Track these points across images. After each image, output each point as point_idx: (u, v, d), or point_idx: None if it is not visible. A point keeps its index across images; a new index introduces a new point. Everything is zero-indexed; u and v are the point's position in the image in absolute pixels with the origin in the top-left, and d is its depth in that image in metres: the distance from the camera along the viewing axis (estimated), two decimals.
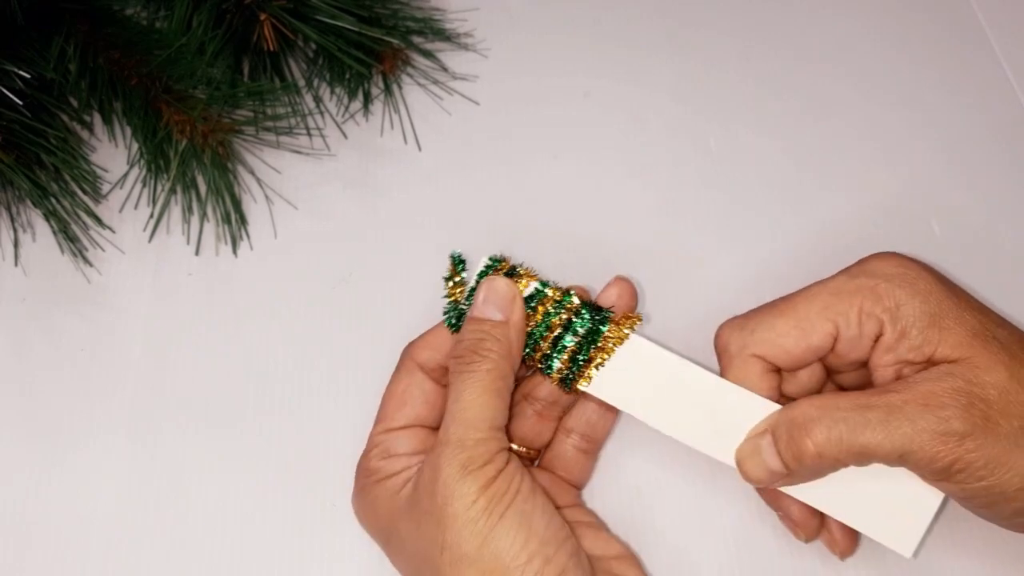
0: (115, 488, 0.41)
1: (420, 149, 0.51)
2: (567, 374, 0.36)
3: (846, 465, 0.34)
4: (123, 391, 0.44)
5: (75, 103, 0.48)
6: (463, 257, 0.38)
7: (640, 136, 0.51)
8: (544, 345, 0.37)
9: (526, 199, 0.49)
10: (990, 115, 0.51)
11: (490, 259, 0.38)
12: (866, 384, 0.37)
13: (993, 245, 0.47)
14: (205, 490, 0.41)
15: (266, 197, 0.49)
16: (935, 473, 0.33)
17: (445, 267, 0.38)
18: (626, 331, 0.37)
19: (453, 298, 0.38)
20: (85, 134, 0.50)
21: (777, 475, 0.35)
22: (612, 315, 0.37)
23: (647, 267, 0.46)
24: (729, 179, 0.49)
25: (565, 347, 0.37)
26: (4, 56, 0.45)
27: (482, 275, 0.37)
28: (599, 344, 0.36)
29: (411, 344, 0.38)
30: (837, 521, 0.36)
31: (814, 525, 0.37)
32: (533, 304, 0.37)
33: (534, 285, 0.37)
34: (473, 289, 0.37)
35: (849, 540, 0.37)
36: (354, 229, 0.48)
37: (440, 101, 0.52)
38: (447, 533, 0.32)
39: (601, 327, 0.37)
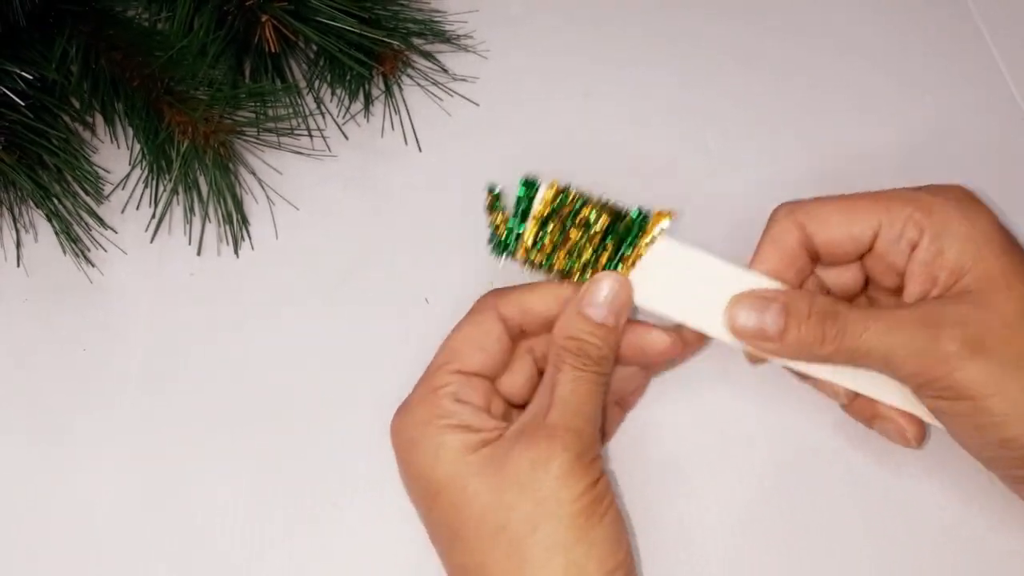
0: (117, 488, 0.41)
1: (420, 150, 0.51)
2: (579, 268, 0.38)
3: (837, 363, 0.36)
4: (125, 391, 0.44)
5: (77, 104, 0.49)
6: (499, 189, 0.39)
7: (640, 137, 0.51)
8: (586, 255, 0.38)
9: None
10: (988, 115, 0.51)
11: (522, 181, 0.38)
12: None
13: None
14: (207, 490, 0.41)
15: (267, 198, 0.49)
16: (921, 388, 0.34)
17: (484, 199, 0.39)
18: (654, 233, 0.37)
19: (496, 228, 0.38)
20: (87, 135, 0.50)
21: (767, 338, 0.36)
22: (649, 214, 0.38)
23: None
24: (729, 179, 0.49)
25: (601, 251, 0.38)
26: (6, 57, 0.45)
27: (520, 201, 0.38)
28: (634, 245, 0.37)
29: (497, 294, 0.38)
30: (899, 409, 0.37)
31: (919, 427, 0.38)
32: (575, 216, 0.38)
33: (581, 199, 0.38)
34: (514, 217, 0.38)
35: (917, 425, 0.38)
36: (355, 229, 0.48)
37: (440, 102, 0.52)
38: (545, 516, 0.32)
39: (640, 229, 0.37)
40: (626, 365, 0.39)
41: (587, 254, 0.38)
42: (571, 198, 0.38)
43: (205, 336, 0.45)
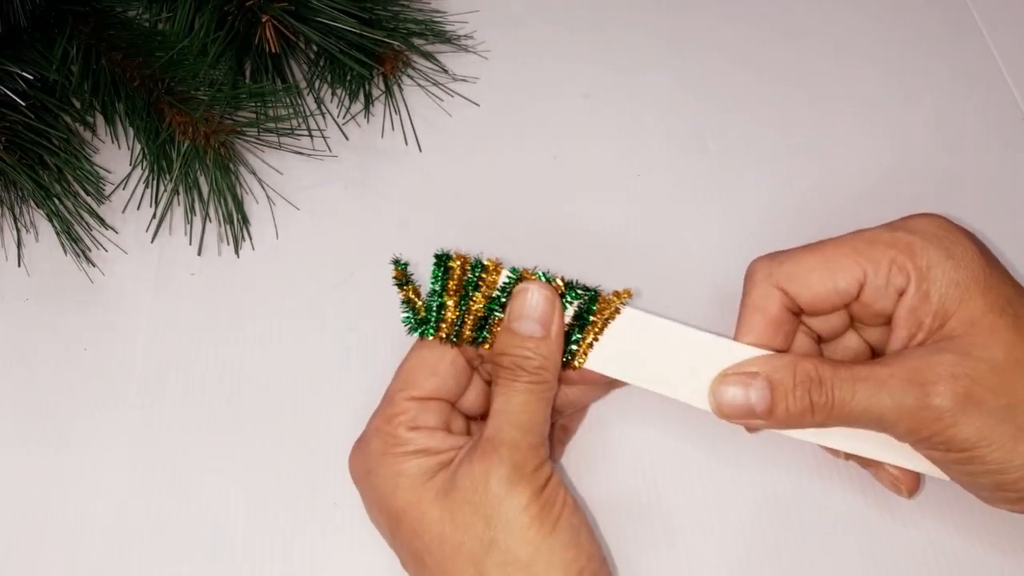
0: (118, 487, 0.42)
1: (421, 150, 0.51)
2: (564, 354, 0.37)
3: (830, 426, 0.35)
4: (126, 391, 0.44)
5: (78, 104, 0.49)
6: (404, 261, 0.37)
7: (640, 136, 0.51)
8: None
9: (526, 199, 0.49)
10: (987, 115, 0.51)
11: (436, 256, 0.37)
12: (884, 342, 0.38)
13: (988, 244, 0.47)
14: (207, 489, 0.41)
15: (268, 198, 0.49)
16: (917, 444, 0.34)
17: (390, 275, 0.37)
18: (619, 305, 0.37)
19: (410, 303, 0.37)
20: (88, 135, 0.50)
21: (755, 416, 0.35)
22: (601, 292, 0.37)
23: (647, 267, 0.46)
24: (728, 179, 0.50)
25: None
26: (7, 58, 0.45)
27: (436, 276, 0.37)
28: (591, 320, 0.37)
29: None
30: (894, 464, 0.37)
31: (913, 480, 0.38)
32: (508, 293, 0.37)
33: (505, 273, 0.37)
34: (435, 292, 0.37)
35: (912, 478, 0.38)
36: (355, 229, 0.48)
37: (440, 103, 0.52)
38: (497, 532, 0.32)
39: (592, 305, 0.37)
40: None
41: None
42: (488, 269, 0.37)
43: (205, 336, 0.45)
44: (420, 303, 0.37)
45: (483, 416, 0.39)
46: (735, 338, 0.37)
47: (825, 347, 0.40)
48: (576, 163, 0.50)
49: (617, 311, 0.37)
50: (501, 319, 0.37)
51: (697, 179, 0.50)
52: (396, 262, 0.37)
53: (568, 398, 0.39)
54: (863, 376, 0.34)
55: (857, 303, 0.36)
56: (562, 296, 0.37)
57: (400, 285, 0.37)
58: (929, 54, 0.54)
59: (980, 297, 0.34)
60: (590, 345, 0.37)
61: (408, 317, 0.37)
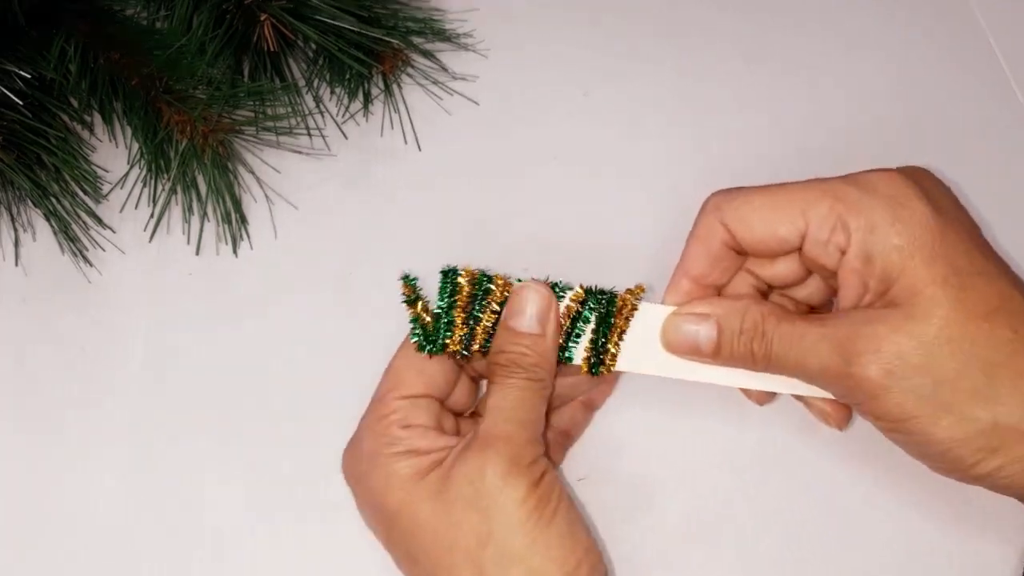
0: (116, 487, 0.41)
1: (420, 149, 0.51)
2: (594, 361, 0.37)
3: (770, 372, 0.36)
4: (124, 390, 0.44)
5: (75, 103, 0.48)
6: (414, 277, 0.38)
7: (640, 136, 0.51)
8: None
9: (526, 199, 0.49)
10: (987, 111, 0.51)
11: (443, 272, 0.37)
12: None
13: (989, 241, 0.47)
14: (206, 490, 0.41)
15: (266, 197, 0.49)
16: (848, 403, 0.36)
17: (400, 292, 0.38)
18: (635, 302, 0.37)
19: (419, 320, 0.37)
20: (85, 134, 0.50)
21: (700, 354, 0.36)
22: (617, 292, 0.37)
23: (647, 267, 0.46)
24: (729, 179, 0.49)
25: (580, 336, 0.37)
26: (5, 56, 0.45)
27: (444, 291, 0.37)
28: (612, 323, 0.37)
29: None
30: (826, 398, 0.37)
31: (843, 413, 0.38)
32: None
33: (516, 285, 0.37)
34: (441, 307, 0.37)
35: (841, 411, 0.38)
36: (354, 229, 0.48)
37: (440, 101, 0.52)
38: (493, 527, 0.32)
39: (612, 307, 0.37)
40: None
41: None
42: (495, 283, 0.37)
43: (204, 336, 0.45)
44: (430, 320, 0.37)
45: (472, 414, 0.40)
46: (678, 264, 0.38)
47: (786, 290, 0.40)
48: (576, 161, 0.50)
49: (635, 308, 0.37)
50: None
51: (698, 178, 0.49)
52: (405, 278, 0.38)
53: (556, 391, 0.39)
54: (801, 333, 0.34)
55: (802, 254, 0.36)
56: (583, 304, 0.37)
57: (410, 303, 0.37)
58: (931, 48, 0.54)
59: (924, 267, 0.33)
60: (616, 346, 0.37)
61: (417, 334, 0.37)
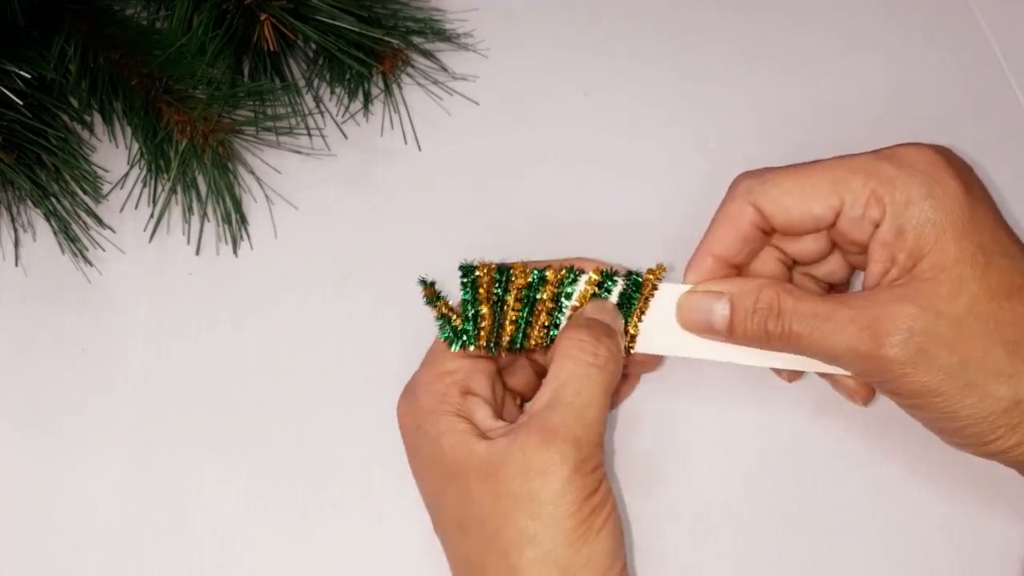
0: (116, 487, 0.41)
1: (420, 149, 0.51)
2: None
3: (788, 352, 0.36)
4: (123, 391, 0.44)
5: (75, 103, 0.48)
6: (432, 280, 0.38)
7: (640, 135, 0.51)
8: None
9: (526, 198, 0.49)
10: (987, 111, 0.51)
11: (461, 268, 0.37)
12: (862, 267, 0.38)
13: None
14: (205, 490, 0.41)
15: (266, 197, 0.49)
16: (870, 383, 0.36)
17: (422, 296, 0.38)
18: (656, 282, 0.37)
19: (446, 318, 0.37)
20: (85, 134, 0.50)
21: (714, 331, 0.36)
22: (641, 273, 0.38)
23: (648, 265, 0.46)
24: (729, 179, 0.49)
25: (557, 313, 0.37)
26: (5, 56, 0.45)
27: (466, 286, 0.37)
28: (634, 304, 0.37)
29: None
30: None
31: (868, 390, 0.38)
32: (538, 293, 0.37)
33: (535, 274, 0.37)
34: (467, 300, 0.37)
35: (866, 388, 0.38)
36: (354, 229, 0.48)
37: (440, 101, 0.52)
38: (540, 530, 0.31)
39: (634, 290, 0.37)
40: None
41: (543, 319, 0.37)
42: (515, 272, 0.37)
43: (204, 336, 0.45)
44: (456, 316, 0.37)
45: (523, 395, 0.40)
46: (702, 243, 0.38)
47: (808, 268, 0.40)
48: (576, 161, 0.50)
49: (655, 288, 0.37)
50: (536, 321, 0.37)
51: (698, 176, 0.49)
52: (423, 281, 0.38)
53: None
54: (823, 314, 0.34)
55: (834, 230, 0.36)
56: (599, 285, 0.37)
57: (431, 303, 0.37)
58: (930, 43, 0.54)
59: (954, 242, 0.33)
60: (636, 327, 0.37)
61: (445, 331, 0.37)
